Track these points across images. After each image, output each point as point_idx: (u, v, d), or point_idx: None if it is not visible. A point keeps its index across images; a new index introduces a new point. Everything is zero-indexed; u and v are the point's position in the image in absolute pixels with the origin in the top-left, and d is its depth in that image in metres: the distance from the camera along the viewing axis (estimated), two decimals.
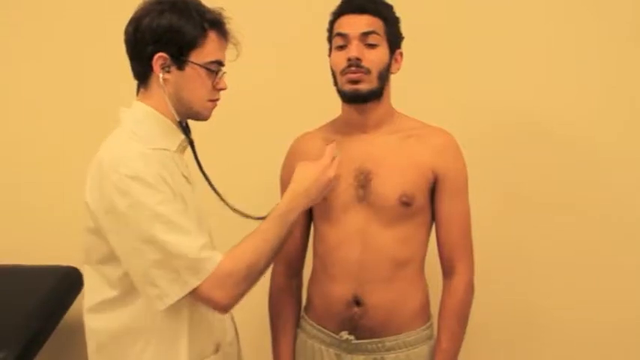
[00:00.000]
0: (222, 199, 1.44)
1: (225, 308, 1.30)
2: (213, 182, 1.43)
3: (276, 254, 1.36)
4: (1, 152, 2.31)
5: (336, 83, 1.54)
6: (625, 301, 1.96)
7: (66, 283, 2.04)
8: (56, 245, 2.18)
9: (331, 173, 1.43)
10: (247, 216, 1.46)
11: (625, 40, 1.91)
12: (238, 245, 1.31)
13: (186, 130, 1.39)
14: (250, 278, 1.29)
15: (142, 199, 1.21)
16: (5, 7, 2.28)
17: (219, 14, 1.34)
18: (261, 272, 1.33)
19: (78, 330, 2.16)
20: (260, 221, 1.38)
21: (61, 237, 2.17)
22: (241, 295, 1.30)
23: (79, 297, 2.06)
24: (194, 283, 1.24)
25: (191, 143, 1.40)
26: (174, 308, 1.26)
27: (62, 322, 2.01)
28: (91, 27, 2.22)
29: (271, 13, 2.02)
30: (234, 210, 1.46)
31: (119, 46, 2.11)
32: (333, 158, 1.45)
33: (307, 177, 1.42)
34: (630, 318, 1.97)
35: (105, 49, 2.17)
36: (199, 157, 1.42)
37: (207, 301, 1.27)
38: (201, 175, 1.43)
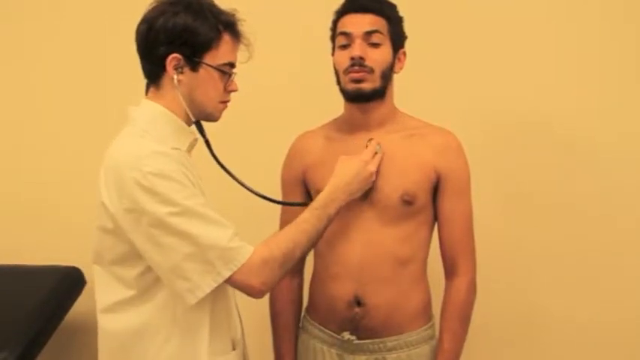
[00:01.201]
0: (250, 189, 1.45)
1: (260, 293, 1.31)
2: (228, 175, 1.44)
3: (313, 245, 1.40)
4: (3, 152, 2.31)
5: (339, 82, 1.54)
6: (626, 301, 1.96)
7: (67, 283, 2.04)
8: (57, 245, 2.18)
9: (372, 168, 1.48)
10: (282, 202, 1.52)
11: (626, 40, 1.91)
12: (275, 234, 1.35)
13: (201, 129, 1.40)
14: (286, 266, 1.32)
15: (170, 194, 1.21)
16: (6, 7, 2.28)
17: (234, 16, 1.34)
18: (296, 261, 1.35)
19: (79, 330, 2.18)
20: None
21: (63, 237, 2.19)
22: (276, 281, 1.32)
23: (81, 297, 2.06)
24: (226, 273, 1.25)
25: (207, 142, 1.40)
26: (197, 303, 1.26)
27: (63, 322, 2.00)
28: (91, 27, 2.22)
29: (273, 12, 2.02)
30: (266, 197, 1.47)
31: (120, 45, 2.12)
32: (375, 154, 1.49)
33: (349, 171, 1.46)
34: (631, 318, 1.97)
35: (106, 49, 2.19)
36: (209, 158, 1.41)
37: (243, 286, 1.29)
38: (206, 175, 1.41)
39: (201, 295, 1.25)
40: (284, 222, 1.63)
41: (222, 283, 1.26)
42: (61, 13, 2.25)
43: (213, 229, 1.25)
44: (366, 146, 1.51)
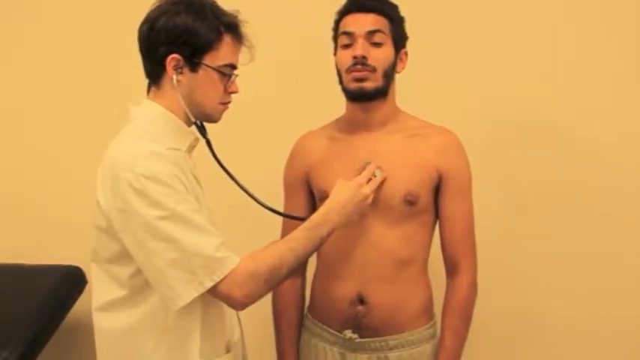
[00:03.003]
0: (252, 196, 1.45)
1: (241, 306, 1.29)
2: (230, 179, 1.43)
3: (301, 264, 1.38)
4: (4, 151, 2.31)
5: (341, 82, 1.55)
6: (626, 300, 1.96)
7: (68, 283, 2.04)
8: (58, 244, 2.18)
9: (367, 191, 1.47)
10: (281, 213, 1.51)
11: (627, 40, 1.91)
12: (264, 248, 1.32)
13: (202, 130, 1.40)
14: (270, 282, 1.29)
15: (160, 198, 1.20)
16: (6, 6, 2.28)
17: (236, 17, 1.33)
18: (282, 279, 1.32)
19: (80, 329, 2.18)
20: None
21: (64, 236, 2.19)
22: (259, 296, 1.30)
23: (82, 296, 2.06)
24: (208, 284, 1.23)
25: (208, 143, 1.40)
26: (187, 308, 1.25)
27: (64, 321, 2.00)
28: (92, 27, 2.22)
29: (274, 12, 2.02)
30: (266, 206, 1.46)
31: (121, 45, 2.11)
32: (371, 177, 1.49)
33: (343, 194, 1.45)
34: (631, 318, 1.96)
35: (106, 49, 2.20)
36: (210, 157, 1.41)
37: (225, 298, 1.27)
38: (207, 175, 1.41)
39: (181, 303, 1.23)
40: (285, 228, 1.66)
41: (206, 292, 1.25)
42: (61, 13, 2.24)
43: (201, 237, 1.23)
44: (364, 168, 1.51)
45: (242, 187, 1.44)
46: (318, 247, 1.39)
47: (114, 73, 2.17)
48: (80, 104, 2.24)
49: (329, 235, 1.40)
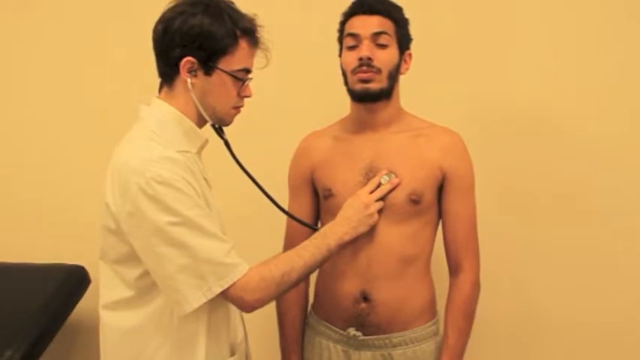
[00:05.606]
0: (271, 198, 1.48)
1: (251, 309, 1.31)
2: (250, 180, 1.46)
3: (310, 272, 1.41)
4: (7, 151, 2.31)
5: (346, 83, 1.56)
6: (628, 300, 1.96)
7: (72, 282, 2.04)
8: (62, 244, 2.18)
9: (364, 198, 1.50)
10: (295, 218, 1.57)
11: (627, 38, 1.91)
12: (275, 256, 1.36)
13: (220, 132, 1.41)
14: (281, 287, 1.32)
15: (172, 204, 1.20)
16: (7, 7, 2.28)
17: (253, 21, 1.32)
18: (292, 284, 1.35)
19: (84, 329, 2.18)
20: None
21: (68, 235, 2.19)
22: (270, 300, 1.33)
23: (85, 295, 2.06)
24: (217, 289, 1.25)
25: (227, 144, 1.41)
26: (194, 311, 1.26)
27: (68, 320, 2.01)
28: (93, 25, 2.22)
29: (279, 13, 2.03)
30: (283, 210, 1.50)
31: (121, 44, 2.11)
32: (379, 185, 1.52)
33: (347, 206, 1.50)
34: (633, 317, 1.97)
35: (107, 50, 2.19)
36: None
37: (236, 300, 1.29)
38: (215, 175, 1.43)
39: (189, 309, 1.24)
40: (289, 230, 1.69)
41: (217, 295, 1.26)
42: (63, 10, 2.24)
43: (211, 243, 1.24)
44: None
45: (262, 189, 1.47)
46: (327, 258, 1.42)
47: (115, 71, 2.17)
48: (83, 103, 2.23)
49: (338, 246, 1.43)
